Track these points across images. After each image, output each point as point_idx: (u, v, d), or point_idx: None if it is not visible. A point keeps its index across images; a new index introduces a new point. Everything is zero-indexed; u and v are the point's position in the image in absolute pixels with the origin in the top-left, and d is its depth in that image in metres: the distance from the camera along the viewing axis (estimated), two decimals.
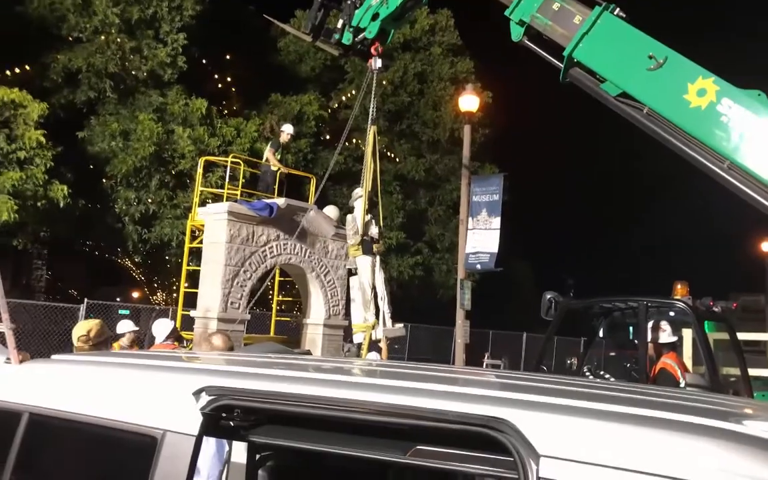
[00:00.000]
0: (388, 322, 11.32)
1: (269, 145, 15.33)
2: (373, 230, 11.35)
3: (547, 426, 1.92)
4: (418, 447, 2.18)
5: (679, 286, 8.74)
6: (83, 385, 2.73)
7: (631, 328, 8.62)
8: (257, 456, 3.71)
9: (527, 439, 1.89)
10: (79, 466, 2.72)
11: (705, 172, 5.73)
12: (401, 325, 12.25)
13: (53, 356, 3.24)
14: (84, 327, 5.79)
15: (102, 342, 5.70)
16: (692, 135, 5.80)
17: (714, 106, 5.59)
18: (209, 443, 3.74)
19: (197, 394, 2.41)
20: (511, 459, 1.90)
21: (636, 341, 8.37)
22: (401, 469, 3.69)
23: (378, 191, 11.62)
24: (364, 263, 11.20)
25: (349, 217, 11.78)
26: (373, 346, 11.07)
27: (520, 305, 28.33)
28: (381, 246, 11.53)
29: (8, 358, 3.12)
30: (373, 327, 11.04)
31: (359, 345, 11.29)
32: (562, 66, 6.57)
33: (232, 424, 2.45)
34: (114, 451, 2.59)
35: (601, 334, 8.72)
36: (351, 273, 11.76)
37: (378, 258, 11.39)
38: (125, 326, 8.68)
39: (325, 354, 13.98)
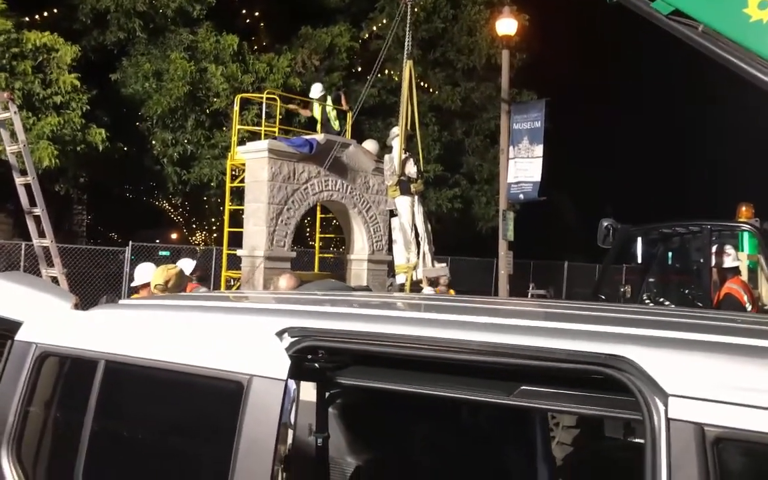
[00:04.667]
0: (429, 262, 11.18)
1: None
2: (411, 169, 11.13)
3: (674, 363, 1.75)
4: (524, 387, 2.02)
5: (743, 208, 8.38)
6: (160, 331, 2.61)
7: (691, 254, 8.34)
8: (327, 393, 3.62)
9: (653, 378, 1.72)
10: (162, 415, 2.63)
11: (766, 90, 5.35)
12: (444, 265, 12.11)
13: (121, 301, 3.13)
14: (162, 276, 5.67)
15: (180, 292, 5.60)
16: (753, 51, 5.41)
17: None
18: None
19: (280, 335, 2.27)
20: (633, 399, 1.74)
21: (695, 267, 8.12)
22: (475, 408, 3.58)
23: (417, 129, 11.31)
24: (403, 203, 11.04)
25: (386, 157, 11.57)
26: (416, 285, 10.97)
27: (560, 233, 28.04)
28: (419, 185, 11.30)
29: (76, 303, 3.02)
30: (414, 267, 10.92)
31: (401, 285, 11.20)
32: None
33: (317, 366, 2.33)
34: (197, 399, 2.48)
35: (660, 259, 8.47)
36: (392, 214, 11.60)
37: (416, 197, 11.18)
38: (188, 267, 8.08)
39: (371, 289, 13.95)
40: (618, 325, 2.13)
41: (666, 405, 1.67)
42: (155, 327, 2.65)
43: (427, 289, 10.27)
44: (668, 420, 1.66)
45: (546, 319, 2.33)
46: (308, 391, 3.61)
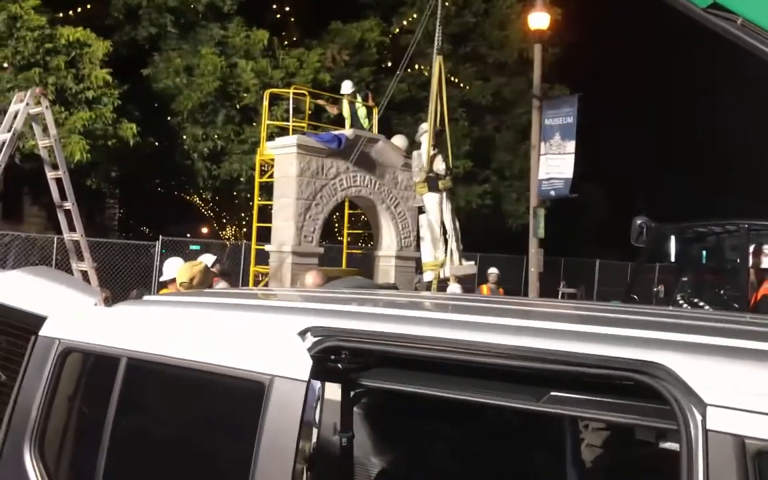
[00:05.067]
0: (456, 260, 11.08)
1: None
2: (440, 166, 11.04)
3: (712, 371, 1.66)
4: (553, 393, 1.95)
5: None
6: (184, 329, 2.58)
7: (727, 253, 8.15)
8: (352, 393, 3.58)
9: (689, 386, 1.64)
10: (183, 413, 2.61)
11: None
12: (472, 263, 12.00)
13: (146, 297, 3.12)
14: (187, 273, 5.70)
15: (205, 288, 5.61)
16: None
17: None
18: None
19: (302, 335, 2.22)
20: (668, 408, 1.66)
21: (731, 267, 7.93)
22: (500, 411, 3.51)
23: (446, 125, 11.20)
24: (431, 200, 10.96)
25: (414, 153, 11.50)
26: (443, 283, 10.88)
27: (592, 231, 27.70)
28: (448, 181, 11.19)
29: (107, 297, 3.01)
30: (442, 265, 10.84)
31: (429, 283, 11.13)
32: None
33: (340, 366, 2.29)
34: (219, 398, 2.45)
35: (694, 259, 8.29)
36: (420, 211, 11.52)
37: (445, 194, 11.08)
38: (208, 260, 8.01)
39: (398, 286, 13.90)
40: (652, 330, 2.04)
41: (704, 415, 1.60)
42: (177, 324, 2.63)
43: (453, 287, 10.17)
44: (706, 431, 1.59)
45: (577, 322, 2.25)
46: (333, 390, 3.57)
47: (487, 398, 2.08)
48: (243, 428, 2.25)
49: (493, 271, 15.54)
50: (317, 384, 3.74)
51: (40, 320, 2.92)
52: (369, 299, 2.98)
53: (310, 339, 2.22)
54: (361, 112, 14.63)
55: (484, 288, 15.11)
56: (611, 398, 1.88)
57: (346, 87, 14.81)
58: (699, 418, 1.60)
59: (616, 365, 1.77)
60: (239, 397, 2.35)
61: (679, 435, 1.63)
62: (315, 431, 3.78)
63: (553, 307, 2.91)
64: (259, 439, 2.16)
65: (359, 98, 14.85)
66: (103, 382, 2.64)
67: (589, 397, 1.92)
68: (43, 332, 2.85)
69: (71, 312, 2.91)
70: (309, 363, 2.15)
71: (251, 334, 2.38)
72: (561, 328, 2.08)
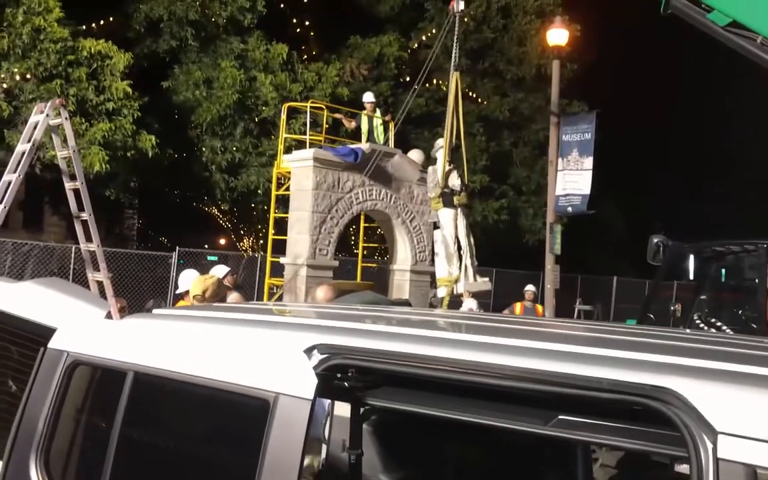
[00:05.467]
0: (471, 276, 11.03)
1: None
2: (455, 182, 11.01)
3: (724, 397, 1.62)
4: (561, 417, 1.92)
5: None
6: (190, 344, 2.58)
7: (745, 273, 8.05)
8: (362, 410, 3.55)
9: (700, 413, 1.60)
10: (189, 429, 2.60)
11: None
12: (486, 279, 11.94)
13: (155, 311, 3.11)
14: (200, 286, 5.71)
15: (219, 301, 5.62)
16: None
17: None
18: None
19: (309, 352, 2.21)
20: (678, 434, 1.62)
21: (749, 287, 7.82)
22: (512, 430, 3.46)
23: (462, 141, 11.19)
24: (445, 216, 10.93)
25: (430, 169, 11.49)
26: (457, 299, 10.82)
27: (609, 248, 27.50)
28: (463, 197, 11.15)
29: (109, 312, 3.01)
30: (456, 281, 10.79)
31: (442, 299, 11.08)
32: None
33: (346, 385, 2.25)
34: (224, 414, 2.45)
35: (712, 278, 8.19)
36: (435, 226, 11.51)
37: (460, 210, 11.05)
38: (220, 272, 8.08)
39: (412, 301, 13.86)
40: (664, 354, 2.00)
41: (715, 443, 1.56)
42: (184, 339, 2.62)
43: (469, 302, 10.11)
44: (717, 460, 1.55)
45: (587, 344, 2.21)
46: (343, 407, 3.55)
47: (494, 420, 2.05)
48: (248, 445, 2.24)
49: (529, 288, 14.55)
50: (326, 401, 3.72)
51: (50, 332, 2.93)
52: (378, 316, 2.96)
53: (317, 356, 2.21)
54: (380, 128, 14.66)
55: (518, 306, 14.28)
56: (621, 423, 1.84)
57: (368, 96, 14.88)
58: (710, 446, 1.57)
59: (626, 390, 1.74)
60: (244, 414, 2.34)
61: (690, 463, 1.59)
62: (324, 448, 3.76)
63: (562, 329, 2.86)
64: (264, 456, 2.15)
65: (378, 113, 14.88)
66: (109, 396, 2.64)
67: (599, 422, 1.88)
68: (51, 344, 2.86)
69: (80, 324, 2.92)
70: (314, 381, 2.14)
71: (257, 350, 2.37)
72: (571, 351, 2.05)
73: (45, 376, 2.80)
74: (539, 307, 14.83)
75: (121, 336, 2.78)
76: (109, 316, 3.00)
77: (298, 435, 2.12)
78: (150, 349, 2.62)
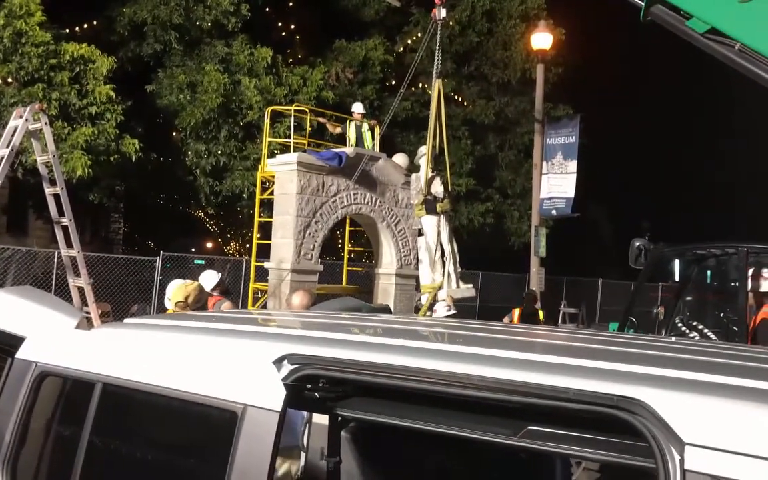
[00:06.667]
0: (454, 282, 11.03)
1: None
2: (438, 188, 11.01)
3: (692, 408, 1.61)
4: (531, 428, 1.90)
5: None
6: (158, 354, 2.54)
7: (727, 276, 8.08)
8: (339, 418, 3.53)
9: (668, 424, 1.58)
10: (156, 441, 2.56)
11: None
12: (470, 285, 11.94)
13: (126, 320, 3.08)
14: (181, 293, 5.65)
15: (200, 307, 5.57)
16: None
17: None
18: None
19: (278, 363, 2.17)
20: (646, 445, 1.61)
21: (731, 290, 7.85)
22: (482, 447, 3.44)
23: (445, 148, 11.19)
24: (428, 223, 10.94)
25: (413, 176, 11.50)
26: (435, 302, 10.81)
27: (594, 250, 27.61)
28: (446, 204, 11.14)
29: (80, 322, 2.96)
30: (440, 287, 10.79)
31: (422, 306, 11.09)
32: (643, 3, 5.99)
33: (317, 395, 2.22)
34: (191, 426, 2.41)
35: (693, 282, 8.21)
36: (420, 232, 11.51)
37: (443, 217, 11.05)
38: (211, 279, 7.59)
39: (397, 304, 13.84)
40: (633, 363, 1.99)
41: (682, 454, 1.54)
42: (152, 350, 2.59)
43: (439, 306, 10.10)
44: (684, 471, 1.53)
45: (557, 353, 2.20)
46: (321, 415, 3.52)
47: (464, 431, 2.03)
48: (216, 458, 2.21)
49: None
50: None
51: (18, 341, 2.88)
52: (351, 325, 2.93)
53: (287, 367, 2.18)
54: (367, 134, 14.65)
55: (516, 312, 13.50)
56: (590, 434, 1.82)
57: (357, 107, 14.86)
58: (677, 457, 1.55)
59: (594, 400, 1.72)
60: (212, 426, 2.31)
61: (657, 474, 1.57)
62: (302, 456, 3.73)
63: (534, 337, 2.85)
64: (231, 470, 2.12)
65: (366, 123, 14.88)
66: (77, 408, 2.61)
67: (568, 433, 1.86)
68: (19, 354, 2.82)
69: (49, 334, 2.88)
70: (282, 393, 2.11)
71: (226, 361, 2.34)
72: (540, 360, 2.03)
73: (13, 386, 2.76)
74: (540, 313, 14.03)
75: (90, 346, 2.74)
76: (80, 325, 2.95)
77: (267, 448, 2.08)
78: (118, 360, 2.59)
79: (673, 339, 4.82)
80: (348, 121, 14.78)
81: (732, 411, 1.57)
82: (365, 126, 14.67)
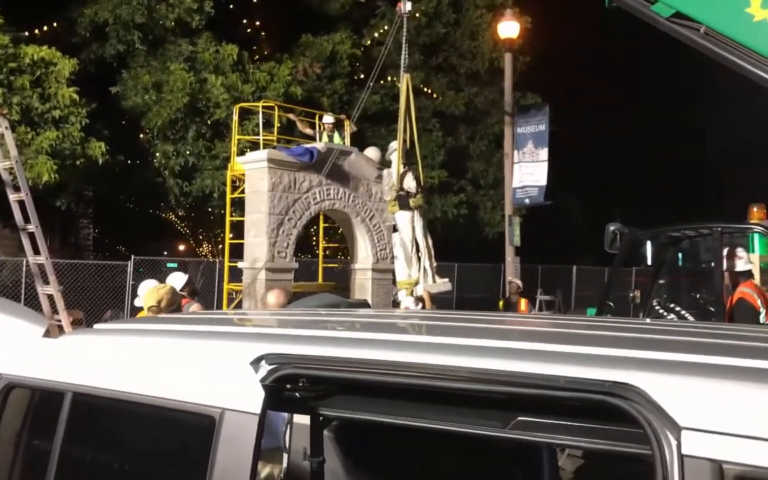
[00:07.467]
0: (430, 277, 11.01)
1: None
2: (410, 184, 10.96)
3: (687, 391, 1.56)
4: (521, 418, 1.84)
5: (755, 209, 8.16)
6: (129, 360, 2.44)
7: (702, 257, 8.14)
8: (321, 417, 3.45)
9: (663, 409, 1.53)
10: (131, 451, 2.46)
11: None
12: (446, 279, 11.92)
13: (96, 326, 2.96)
14: (153, 296, 5.51)
15: (174, 310, 5.43)
16: (757, 52, 5.23)
17: None
18: None
19: (256, 364, 2.09)
20: (641, 431, 1.56)
21: (706, 271, 7.90)
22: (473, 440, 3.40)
23: (415, 142, 11.13)
24: (402, 219, 10.89)
25: (385, 172, 11.45)
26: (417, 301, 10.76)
27: (568, 237, 27.80)
28: (419, 199, 11.10)
29: (47, 330, 2.84)
30: (416, 283, 10.76)
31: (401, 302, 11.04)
32: None
33: (297, 395, 2.14)
34: (167, 434, 2.32)
35: (669, 264, 8.25)
36: (395, 228, 11.46)
37: (416, 212, 11.01)
38: (178, 280, 7.57)
39: (375, 299, 13.77)
40: (624, 347, 1.94)
41: (678, 439, 1.50)
42: (124, 356, 2.48)
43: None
44: (681, 456, 1.48)
45: (544, 340, 2.14)
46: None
47: (451, 425, 1.98)
48: (194, 465, 2.13)
49: (513, 281, 14.09)
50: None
51: None
52: (329, 321, 2.85)
53: (265, 367, 2.10)
54: (337, 139, 14.56)
55: (501, 303, 13.30)
56: (582, 422, 1.77)
57: (328, 118, 14.76)
58: (674, 442, 1.50)
59: (585, 387, 1.67)
60: (189, 432, 2.23)
61: (653, 460, 1.52)
62: (285, 457, 3.64)
63: (519, 325, 2.80)
64: (211, 477, 2.03)
65: (337, 134, 14.78)
66: (47, 419, 2.51)
67: (559, 422, 1.81)
68: None
69: (15, 344, 2.76)
70: (261, 395, 2.03)
71: (201, 364, 2.25)
72: (526, 348, 1.98)
73: None
74: (522, 302, 13.76)
75: (59, 355, 2.63)
76: (47, 333, 2.83)
77: (247, 452, 2.00)
78: (88, 368, 2.49)
79: (659, 322, 4.81)
80: (319, 130, 14.70)
81: (728, 392, 1.53)
82: (336, 135, 14.59)
